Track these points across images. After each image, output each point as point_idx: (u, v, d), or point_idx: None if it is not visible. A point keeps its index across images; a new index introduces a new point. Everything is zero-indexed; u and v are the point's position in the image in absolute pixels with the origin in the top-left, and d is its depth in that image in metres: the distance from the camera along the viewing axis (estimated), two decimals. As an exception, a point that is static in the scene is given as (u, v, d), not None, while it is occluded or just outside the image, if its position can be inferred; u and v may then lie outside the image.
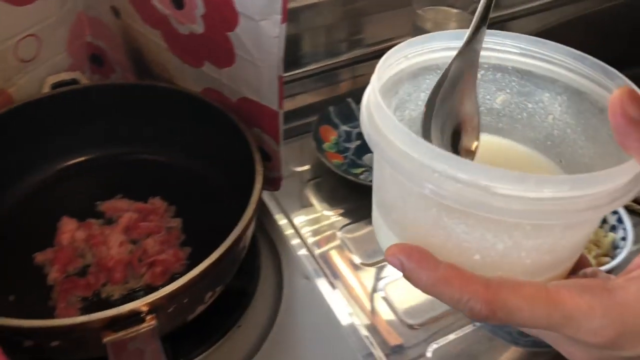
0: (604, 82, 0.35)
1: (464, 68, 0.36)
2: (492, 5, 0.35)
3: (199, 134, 0.68)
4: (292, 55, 0.91)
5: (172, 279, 0.58)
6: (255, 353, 0.57)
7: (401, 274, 0.31)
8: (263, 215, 0.70)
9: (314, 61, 0.93)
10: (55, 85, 0.67)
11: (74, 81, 0.67)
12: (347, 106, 0.85)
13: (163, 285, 0.57)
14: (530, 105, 0.39)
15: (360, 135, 0.83)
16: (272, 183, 0.67)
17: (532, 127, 0.39)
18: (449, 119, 0.36)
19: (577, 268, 0.35)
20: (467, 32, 0.36)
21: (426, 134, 0.35)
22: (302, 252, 0.67)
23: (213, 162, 0.68)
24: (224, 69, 0.61)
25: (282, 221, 0.71)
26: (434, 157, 0.28)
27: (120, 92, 0.68)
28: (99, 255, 0.59)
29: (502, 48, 0.38)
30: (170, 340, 0.55)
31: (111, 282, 0.57)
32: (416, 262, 0.30)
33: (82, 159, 0.69)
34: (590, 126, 0.36)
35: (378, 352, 0.58)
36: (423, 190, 0.28)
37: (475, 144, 0.36)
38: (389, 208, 0.35)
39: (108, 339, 0.44)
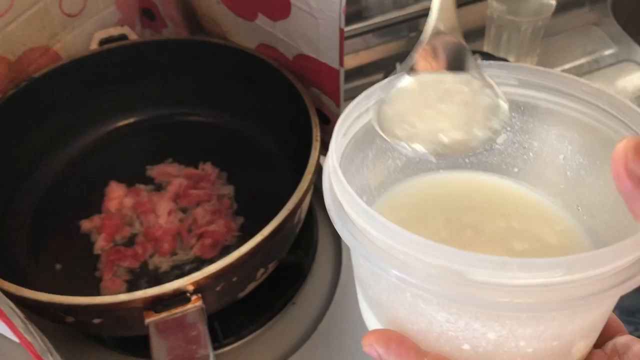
0: (621, 118, 0.29)
1: None
2: None
3: (252, 95, 0.62)
4: (355, 7, 0.84)
5: (223, 251, 0.55)
6: (312, 333, 0.53)
7: None
8: (320, 184, 0.65)
9: (379, 13, 0.86)
10: (104, 41, 0.63)
11: (122, 37, 0.63)
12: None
13: (213, 259, 0.54)
14: (536, 144, 0.34)
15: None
16: (331, 148, 0.62)
17: (541, 168, 0.34)
18: None
19: (606, 336, 0.28)
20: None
21: None
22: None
23: (267, 125, 0.63)
24: (278, 22, 0.55)
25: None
26: (396, 238, 0.23)
27: (170, 48, 0.63)
28: (147, 223, 0.56)
29: (498, 80, 0.32)
30: (220, 317, 0.51)
31: (159, 253, 0.54)
32: (395, 354, 0.25)
33: (131, 120, 0.66)
34: (608, 169, 0.29)
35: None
36: (387, 276, 0.24)
37: None
38: (364, 284, 0.30)
39: (150, 319, 0.40)
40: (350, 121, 0.31)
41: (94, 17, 0.64)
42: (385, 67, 0.82)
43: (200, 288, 0.42)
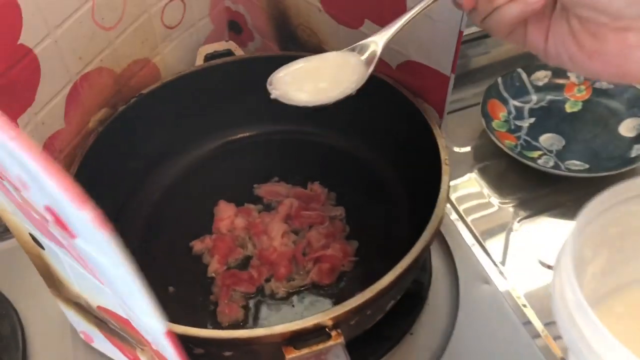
0: None
1: None
2: None
3: (360, 111, 0.60)
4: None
5: (340, 277, 0.53)
6: (433, 367, 0.50)
7: None
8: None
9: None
10: (209, 57, 0.62)
11: (228, 52, 0.62)
12: (517, 77, 0.74)
13: (330, 284, 0.52)
14: None
15: (533, 112, 0.72)
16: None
17: None
18: None
19: None
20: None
21: None
22: (477, 250, 0.59)
23: (377, 142, 0.61)
24: None
25: (450, 214, 0.62)
26: None
27: (277, 64, 0.61)
28: (261, 246, 0.54)
29: None
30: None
31: (275, 277, 0.52)
32: None
33: (236, 137, 0.65)
34: None
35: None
36: None
37: None
38: None
39: (291, 356, 0.38)
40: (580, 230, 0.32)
41: (190, 29, 0.64)
42: (479, 80, 0.80)
43: (338, 323, 0.40)
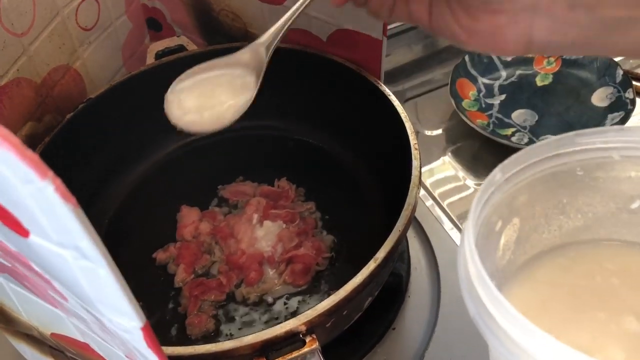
0: None
1: None
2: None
3: (316, 100, 0.57)
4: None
5: (316, 276, 0.50)
6: (419, 362, 0.48)
7: None
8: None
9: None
10: (160, 54, 0.58)
11: (180, 48, 0.59)
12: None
13: (306, 285, 0.49)
14: None
15: (504, 89, 0.70)
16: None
17: None
18: None
19: None
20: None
21: None
22: (455, 235, 0.56)
23: (341, 132, 0.58)
24: None
25: (426, 200, 0.60)
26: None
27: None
28: (228, 250, 0.51)
29: None
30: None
31: (246, 282, 0.49)
32: None
33: (194, 137, 0.61)
34: None
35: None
36: None
37: None
38: None
39: (263, 368, 0.35)
40: (484, 201, 0.30)
41: (108, 29, 0.60)
42: (446, 60, 0.77)
43: (312, 327, 0.37)
